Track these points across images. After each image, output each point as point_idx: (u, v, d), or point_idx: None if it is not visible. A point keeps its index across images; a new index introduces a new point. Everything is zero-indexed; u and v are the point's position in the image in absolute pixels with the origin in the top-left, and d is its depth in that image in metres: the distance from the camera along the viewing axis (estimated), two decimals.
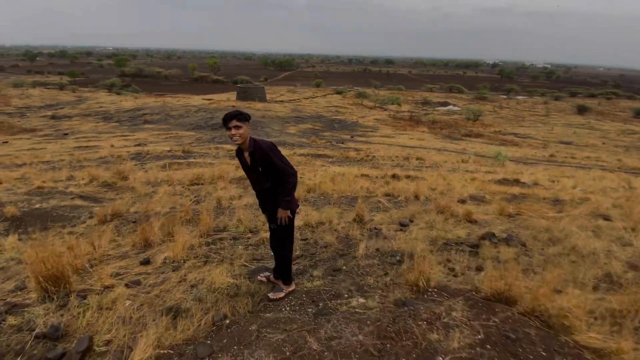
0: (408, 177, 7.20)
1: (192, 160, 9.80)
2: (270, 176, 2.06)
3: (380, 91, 54.73)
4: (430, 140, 24.43)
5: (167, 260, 2.56)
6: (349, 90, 52.47)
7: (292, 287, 2.23)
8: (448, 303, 1.86)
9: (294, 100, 41.19)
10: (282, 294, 2.16)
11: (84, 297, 2.01)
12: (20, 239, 3.48)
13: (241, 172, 7.78)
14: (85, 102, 34.83)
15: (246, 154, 2.11)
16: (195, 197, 5.38)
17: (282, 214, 2.06)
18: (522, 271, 2.12)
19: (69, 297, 1.97)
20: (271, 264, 2.51)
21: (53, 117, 27.88)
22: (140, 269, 2.47)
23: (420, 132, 29.27)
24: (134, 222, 4.01)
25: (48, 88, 42.25)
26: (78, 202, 5.23)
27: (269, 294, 2.16)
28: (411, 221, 3.49)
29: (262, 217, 3.50)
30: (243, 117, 2.00)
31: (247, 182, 6.89)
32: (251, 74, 75.78)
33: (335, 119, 30.25)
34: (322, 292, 2.10)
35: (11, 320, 1.73)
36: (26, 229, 3.79)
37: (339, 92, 49.90)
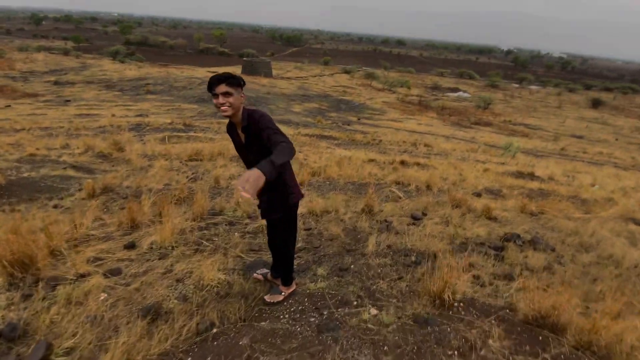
0: (417, 164, 6.85)
1: (192, 134, 9.44)
2: (264, 154, 1.53)
3: (390, 73, 53.13)
4: (438, 127, 23.79)
5: (153, 246, 2.30)
6: (358, 70, 50.95)
7: (293, 287, 1.94)
8: (480, 325, 1.58)
9: (301, 77, 40.04)
10: (280, 297, 1.87)
11: (54, 287, 1.76)
12: (2, 210, 3.22)
13: None
14: (89, 69, 34.04)
15: (239, 130, 1.69)
16: (192, 174, 5.09)
17: (252, 177, 1.19)
18: (561, 284, 1.83)
19: (36, 286, 1.71)
20: (269, 256, 2.24)
21: (56, 83, 27.31)
22: (124, 254, 2.21)
23: (428, 117, 28.52)
24: (124, 197, 3.74)
25: (52, 53, 41.29)
26: (70, 172, 4.95)
27: (265, 297, 1.87)
28: (424, 214, 3.19)
29: None
30: (235, 81, 1.59)
31: None
32: (258, 47, 73.59)
33: (342, 100, 29.44)
34: (327, 297, 1.82)
35: None
36: (10, 199, 3.53)
37: (347, 72, 48.42)
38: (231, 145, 7.91)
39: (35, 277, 1.79)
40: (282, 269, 1.89)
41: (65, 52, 42.48)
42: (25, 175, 4.25)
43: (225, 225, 2.73)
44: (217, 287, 1.83)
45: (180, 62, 47.36)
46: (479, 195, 4.45)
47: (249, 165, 1.73)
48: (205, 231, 2.57)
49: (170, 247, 2.28)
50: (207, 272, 1.89)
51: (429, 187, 4.37)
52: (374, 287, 1.92)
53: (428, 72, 65.79)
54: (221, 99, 1.55)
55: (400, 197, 3.87)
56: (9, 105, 16.89)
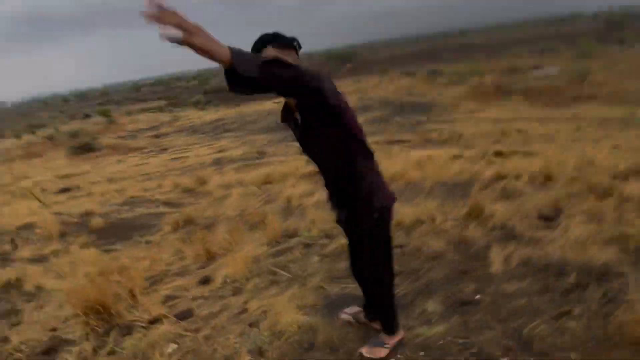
0: (518, 153, 5.67)
1: (264, 160, 9.78)
2: (326, 136, 1.19)
3: (456, 65, 49.24)
4: (528, 110, 20.59)
5: (227, 279, 2.06)
6: (419, 70, 48.51)
7: (399, 336, 1.39)
8: None
9: (359, 90, 39.84)
10: (383, 351, 1.33)
11: (125, 336, 1.60)
12: (103, 251, 3.45)
13: (310, 169, 7.30)
14: (179, 120, 39.65)
15: (295, 112, 1.23)
16: (265, 196, 5.00)
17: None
18: None
19: (108, 336, 1.57)
20: (357, 286, 1.77)
21: (156, 136, 32.37)
22: (198, 291, 2.00)
23: (512, 102, 25.10)
24: (204, 228, 3.73)
25: (151, 112, 49.56)
26: (161, 209, 5.34)
27: (362, 350, 1.35)
28: (559, 212, 2.35)
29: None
30: (285, 41, 1.15)
31: (315, 177, 6.35)
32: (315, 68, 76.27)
33: (407, 102, 28.06)
34: (454, 349, 1.24)
35: None
36: (109, 239, 3.81)
37: (408, 74, 46.56)
38: (300, 164, 7.89)
39: (109, 325, 1.67)
40: (381, 311, 1.37)
41: (160, 110, 50.47)
42: (124, 216, 4.64)
43: (302, 248, 2.38)
44: (297, 334, 1.44)
45: (248, 100, 51.97)
46: (625, 178, 3.27)
47: (313, 158, 1.34)
48: (280, 257, 2.26)
49: (244, 279, 2.00)
50: (284, 311, 1.53)
51: (548, 177, 3.38)
52: (527, 330, 1.26)
53: (501, 55, 59.21)
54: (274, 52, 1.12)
55: (509, 194, 3.02)
56: (121, 160, 20.24)
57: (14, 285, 2.59)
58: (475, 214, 2.39)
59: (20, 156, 30.70)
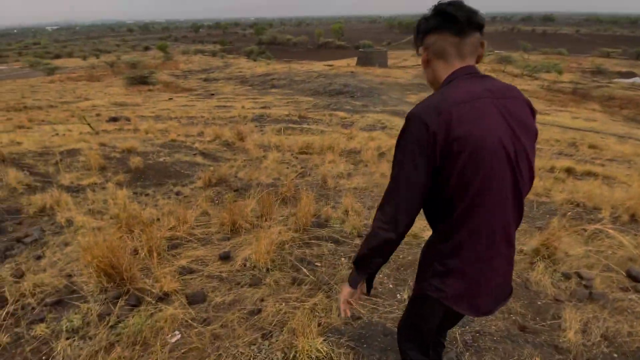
0: (591, 174, 4.88)
1: (305, 126, 9.48)
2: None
3: (532, 55, 43.97)
4: (605, 123, 18.10)
5: (247, 263, 1.89)
6: (489, 54, 44.03)
7: None
8: None
9: (419, 65, 37.14)
10: None
11: (135, 305, 1.50)
12: (135, 193, 3.47)
13: (352, 145, 6.96)
14: (230, 67, 39.87)
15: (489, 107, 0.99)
16: (301, 168, 4.78)
17: (341, 295, 0.98)
18: None
19: (116, 302, 1.48)
20: (391, 310, 1.52)
21: (205, 80, 32.94)
22: (216, 268, 1.87)
23: (588, 110, 22.16)
24: (235, 190, 3.62)
25: (205, 55, 50.15)
26: (197, 159, 5.32)
27: None
28: None
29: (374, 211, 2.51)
30: (416, 31, 0.90)
31: (358, 157, 5.97)
32: (375, 37, 72.29)
33: None
34: None
35: (38, 329, 1.32)
36: (144, 182, 3.83)
37: None
38: (341, 139, 7.52)
39: (120, 290, 1.58)
40: None
41: (214, 54, 50.87)
42: (161, 160, 4.65)
43: (331, 243, 2.14)
44: None
45: (301, 57, 50.72)
46: None
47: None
48: (306, 250, 2.05)
49: (264, 269, 1.82)
50: (302, 329, 1.32)
51: (634, 217, 2.78)
52: None
53: (587, 52, 51.90)
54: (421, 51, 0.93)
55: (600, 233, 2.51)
56: (171, 98, 20.89)
57: (47, 212, 2.65)
58: (547, 252, 1.97)
59: (84, 77, 32.68)
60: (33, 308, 1.48)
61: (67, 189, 3.21)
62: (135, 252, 1.91)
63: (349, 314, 1.03)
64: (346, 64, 36.11)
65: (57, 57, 50.83)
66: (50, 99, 19.93)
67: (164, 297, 1.59)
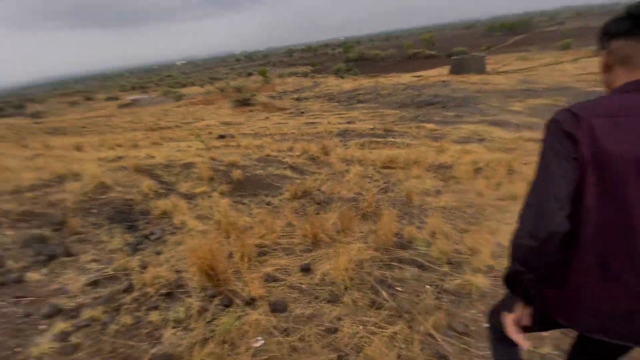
0: None
1: (390, 139, 9.26)
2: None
3: None
4: None
5: (326, 277, 1.90)
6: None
7: None
8: None
9: (524, 69, 32.65)
10: None
11: (227, 306, 1.66)
12: (234, 201, 3.90)
13: (442, 159, 6.46)
14: (319, 86, 42.31)
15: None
16: (384, 183, 4.65)
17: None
18: None
19: (212, 301, 1.66)
20: (485, 355, 1.30)
21: (297, 99, 35.66)
22: (297, 279, 1.94)
23: None
24: (318, 203, 3.74)
25: (297, 76, 54.51)
26: (287, 172, 5.72)
27: None
28: None
29: (470, 239, 2.22)
30: (600, 32, 0.86)
31: (449, 172, 5.49)
32: (470, 44, 66.96)
33: (593, 92, 21.50)
34: None
35: (153, 316, 1.58)
36: (241, 193, 4.28)
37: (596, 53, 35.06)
38: (429, 152, 7.10)
39: (216, 290, 1.77)
40: None
41: (305, 75, 54.74)
42: (257, 172, 5.14)
43: (414, 267, 1.98)
44: None
45: (389, 71, 50.42)
46: None
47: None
48: (387, 271, 1.95)
49: (342, 287, 1.80)
50: (381, 359, 1.24)
51: None
52: None
53: None
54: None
55: None
56: (267, 117, 23.13)
57: (168, 215, 3.20)
58: None
59: (201, 102, 39.13)
60: (151, 296, 1.79)
61: (184, 196, 3.82)
62: (230, 255, 2.13)
63: (526, 344, 0.83)
64: (437, 74, 34.29)
65: (183, 86, 62.37)
66: (176, 121, 24.44)
67: (251, 302, 1.72)
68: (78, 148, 9.31)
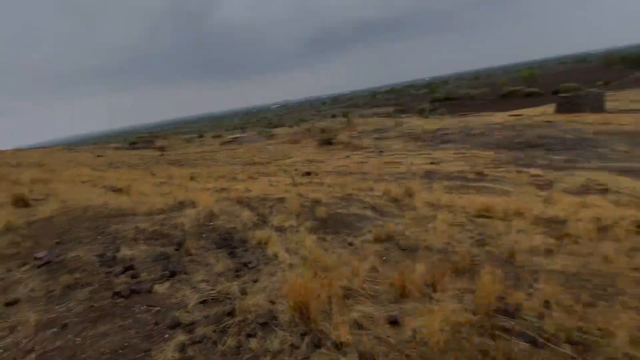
0: None
1: (483, 184, 8.49)
2: None
3: None
4: None
5: (417, 336, 1.79)
6: None
7: None
8: None
9: None
10: None
11: (317, 346, 1.70)
12: (319, 238, 4.08)
13: (552, 212, 5.54)
14: (401, 126, 42.21)
15: None
16: (478, 234, 4.25)
17: None
18: None
19: (303, 339, 1.73)
20: None
21: (378, 139, 36.11)
22: (384, 331, 1.87)
23: None
24: (403, 249, 3.63)
25: (379, 117, 55.57)
26: (368, 212, 5.73)
27: None
28: None
29: (599, 316, 1.84)
30: None
31: (562, 229, 4.68)
32: (583, 78, 58.96)
33: None
34: None
35: (252, 343, 1.71)
36: (326, 229, 4.45)
37: None
38: (535, 202, 6.24)
39: (307, 328, 1.85)
40: None
41: (387, 115, 55.43)
42: (339, 211, 5.30)
43: (524, 342, 1.71)
44: None
45: (480, 109, 47.55)
46: None
47: None
48: (488, 340, 1.73)
49: (436, 350, 1.67)
50: None
51: None
52: None
53: None
54: None
55: None
56: (348, 156, 23.85)
57: (262, 245, 3.52)
58: None
59: (289, 140, 42.67)
60: (250, 322, 1.96)
61: (276, 228, 4.17)
62: (318, 295, 2.21)
63: None
64: (540, 112, 30.81)
65: (275, 126, 69.64)
66: (268, 157, 27.11)
67: (340, 346, 1.73)
68: (192, 178, 11.10)
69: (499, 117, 31.29)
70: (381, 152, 25.51)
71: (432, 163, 15.97)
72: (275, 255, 3.23)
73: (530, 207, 5.00)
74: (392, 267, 2.99)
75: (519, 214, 4.80)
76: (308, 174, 11.99)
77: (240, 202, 5.45)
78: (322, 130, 40.80)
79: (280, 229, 4.23)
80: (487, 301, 1.98)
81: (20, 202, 4.78)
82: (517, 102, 47.80)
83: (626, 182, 8.65)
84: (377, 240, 3.91)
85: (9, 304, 2.32)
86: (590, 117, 23.52)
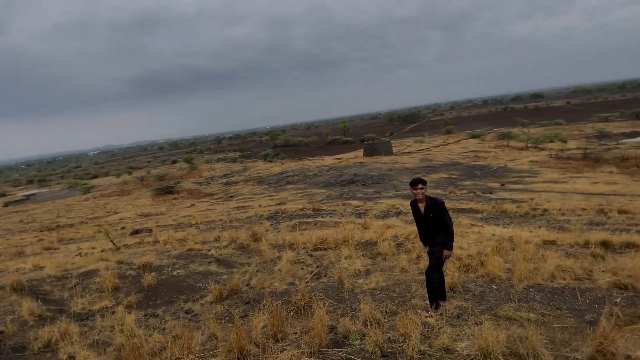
0: (630, 245, 4.45)
1: (319, 218, 9.54)
2: (434, 221, 2.91)
3: (531, 129, 46.05)
4: (627, 184, 17.51)
5: None
6: (488, 132, 46.42)
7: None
8: None
9: (422, 150, 39.21)
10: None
11: None
12: (145, 315, 3.33)
13: (367, 236, 6.78)
14: (248, 170, 43.09)
15: (421, 205, 2.94)
16: (316, 267, 4.60)
17: (448, 253, 2.90)
18: None
19: None
20: None
21: (226, 184, 35.29)
22: None
23: (605, 173, 21.78)
24: (247, 302, 3.44)
25: (226, 162, 55.02)
26: (212, 267, 5.25)
27: None
28: None
29: (400, 323, 2.24)
30: (425, 182, 2.91)
31: (375, 249, 5.76)
32: (377, 130, 79.03)
33: (475, 165, 26.40)
34: None
35: None
36: (155, 301, 3.71)
37: (475, 136, 44.70)
38: (356, 230, 7.37)
39: None
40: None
41: (234, 160, 55.70)
42: (175, 273, 4.61)
43: None
44: None
45: (312, 154, 54.79)
46: None
47: (423, 228, 3.00)
48: None
49: None
50: None
51: None
52: None
53: (584, 119, 54.20)
54: (419, 190, 2.90)
55: None
56: (194, 204, 21.99)
57: (52, 347, 2.52)
58: (605, 359, 1.60)
59: (115, 192, 35.50)
60: None
61: (77, 317, 3.12)
62: None
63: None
64: (354, 156, 38.51)
65: (95, 177, 56.84)
66: (82, 216, 21.38)
67: None
68: None
69: (327, 161, 37.06)
70: (231, 197, 24.93)
71: (278, 204, 16.81)
72: (72, 358, 2.37)
73: (353, 235, 5.90)
74: (231, 329, 2.73)
75: (345, 242, 5.55)
76: (137, 232, 10.11)
77: (19, 289, 3.87)
78: (160, 178, 36.33)
79: (84, 317, 3.22)
80: (320, 339, 2.07)
81: None
82: (338, 148, 58.38)
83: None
84: (219, 299, 3.56)
85: None
86: (385, 159, 31.33)
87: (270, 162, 48.18)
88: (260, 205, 16.89)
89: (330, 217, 9.69)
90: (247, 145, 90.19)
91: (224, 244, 6.95)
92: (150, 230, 10.54)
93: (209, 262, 5.50)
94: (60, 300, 3.58)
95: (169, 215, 17.87)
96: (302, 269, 4.69)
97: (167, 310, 3.40)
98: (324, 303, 2.64)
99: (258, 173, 40.33)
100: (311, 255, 5.43)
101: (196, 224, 12.18)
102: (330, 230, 6.81)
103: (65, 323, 2.84)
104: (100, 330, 2.80)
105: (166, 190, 29.41)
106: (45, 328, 2.82)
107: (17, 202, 34.40)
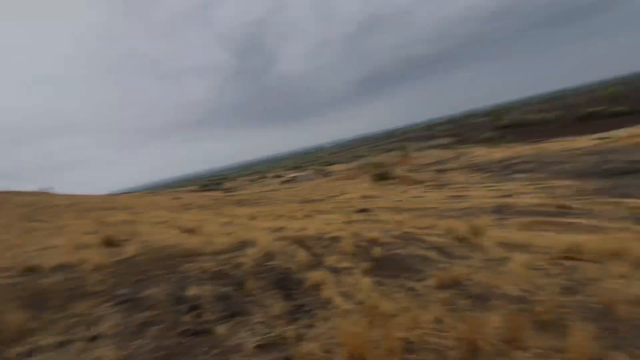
0: None
1: (567, 219, 7.36)
2: None
3: None
4: None
5: None
6: None
7: None
8: None
9: None
10: None
11: None
12: (375, 281, 3.88)
13: None
14: (462, 157, 39.92)
15: None
16: (566, 280, 3.62)
17: None
18: None
19: None
20: None
21: (438, 171, 34.44)
22: None
23: None
24: (470, 297, 3.24)
25: (437, 149, 53.53)
26: (430, 253, 5.33)
27: None
28: None
29: None
30: None
31: None
32: None
33: None
34: None
35: None
36: (381, 272, 4.23)
37: None
38: (634, 244, 5.17)
39: None
40: None
41: (447, 146, 53.12)
42: (397, 251, 5.03)
43: None
44: None
45: (554, 135, 43.05)
46: None
47: None
48: None
49: None
50: None
51: None
52: None
53: None
54: None
55: None
56: (405, 191, 23.01)
57: (318, 287, 3.46)
58: None
59: (344, 177, 43.03)
60: None
61: (331, 269, 4.10)
62: (375, 347, 2.05)
63: None
64: (630, 134, 26.58)
65: (330, 164, 71.28)
66: (324, 194, 27.50)
67: None
68: (253, 218, 11.72)
69: (581, 142, 27.77)
70: (443, 185, 24.15)
71: (503, 196, 14.52)
72: (330, 300, 3.14)
73: (631, 247, 4.15)
74: (461, 318, 2.67)
75: (617, 255, 4.01)
76: (363, 210, 11.79)
77: (296, 241, 5.53)
78: (377, 165, 40.50)
79: (335, 270, 4.14)
80: None
81: (110, 242, 5.52)
82: (600, 125, 42.14)
83: None
84: (441, 285, 3.56)
85: (92, 338, 2.59)
86: None
87: (493, 146, 42.15)
88: (478, 197, 15.25)
89: (587, 218, 7.26)
90: (463, 130, 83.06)
91: (439, 232, 6.84)
92: (372, 210, 12.07)
93: (426, 248, 5.60)
94: (319, 255, 4.80)
95: (384, 199, 19.64)
96: (542, 277, 3.84)
97: (392, 283, 3.78)
98: (584, 328, 2.05)
99: (475, 160, 36.42)
100: (557, 264, 4.33)
101: (408, 209, 12.71)
102: (587, 236, 5.11)
103: (324, 272, 3.79)
104: (345, 285, 3.53)
105: (382, 176, 32.46)
106: (313, 272, 3.88)
107: (287, 181, 48.96)
